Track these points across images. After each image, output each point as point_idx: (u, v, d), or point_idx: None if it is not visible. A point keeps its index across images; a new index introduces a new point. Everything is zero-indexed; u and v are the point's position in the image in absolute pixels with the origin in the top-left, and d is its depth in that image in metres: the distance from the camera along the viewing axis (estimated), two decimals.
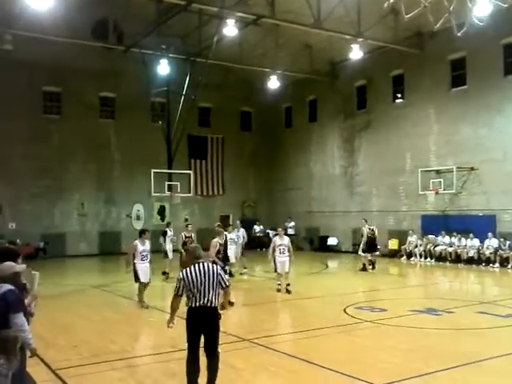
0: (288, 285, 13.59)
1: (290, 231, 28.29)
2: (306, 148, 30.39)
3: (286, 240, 13.90)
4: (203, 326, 5.93)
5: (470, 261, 20.83)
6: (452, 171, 21.60)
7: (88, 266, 23.45)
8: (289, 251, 13.72)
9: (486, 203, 21.25)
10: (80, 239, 27.36)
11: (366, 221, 19.90)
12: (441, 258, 21.87)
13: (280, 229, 14.51)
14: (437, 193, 22.22)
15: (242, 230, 18.51)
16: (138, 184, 27.20)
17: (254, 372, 7.27)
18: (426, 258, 22.39)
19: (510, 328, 9.86)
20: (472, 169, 21.72)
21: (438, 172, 22.70)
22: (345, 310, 11.34)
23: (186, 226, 17.12)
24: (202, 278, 5.92)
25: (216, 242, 12.96)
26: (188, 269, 5.98)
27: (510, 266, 19.48)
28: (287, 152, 31.59)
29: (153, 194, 24.34)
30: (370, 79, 26.59)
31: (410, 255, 23.08)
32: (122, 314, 11.36)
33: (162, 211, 29.54)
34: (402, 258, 23.16)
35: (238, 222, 18.40)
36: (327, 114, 29.16)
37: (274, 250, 13.71)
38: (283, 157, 31.87)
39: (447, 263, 21.32)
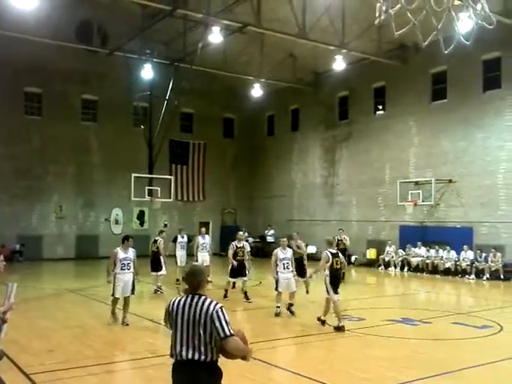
0: (291, 305, 11.82)
1: (270, 239, 28.40)
2: (287, 157, 30.53)
3: (290, 253, 12.26)
4: None
5: (446, 272, 21.09)
6: (431, 183, 21.90)
7: (65, 270, 23.18)
8: (291, 265, 12.12)
9: (464, 215, 21.58)
10: (57, 242, 27.02)
11: (342, 230, 19.85)
12: (418, 268, 22.11)
13: (284, 239, 12.48)
14: (415, 204, 22.48)
15: (208, 237, 17.77)
16: (118, 188, 27.02)
17: (232, 381, 7.24)
18: (403, 268, 22.60)
19: (485, 339, 10.00)
20: (450, 181, 22.05)
21: (416, 184, 22.98)
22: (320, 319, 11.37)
23: (238, 232, 15.03)
24: (187, 318, 3.94)
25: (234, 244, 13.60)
26: (177, 299, 4.08)
27: (485, 278, 19.77)
28: (269, 160, 31.70)
29: (132, 199, 24.18)
30: (353, 90, 26.85)
31: (387, 265, 23.27)
32: (98, 318, 11.24)
33: (141, 216, 29.39)
34: (380, 268, 23.34)
35: (203, 229, 18.06)
36: (309, 123, 29.36)
37: (276, 265, 11.91)
38: (265, 164, 31.96)
39: (424, 274, 21.55)
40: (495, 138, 20.78)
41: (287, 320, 11.55)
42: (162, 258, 15.37)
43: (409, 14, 7.50)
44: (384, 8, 7.69)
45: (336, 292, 10.32)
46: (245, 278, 13.91)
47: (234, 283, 14.77)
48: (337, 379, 7.17)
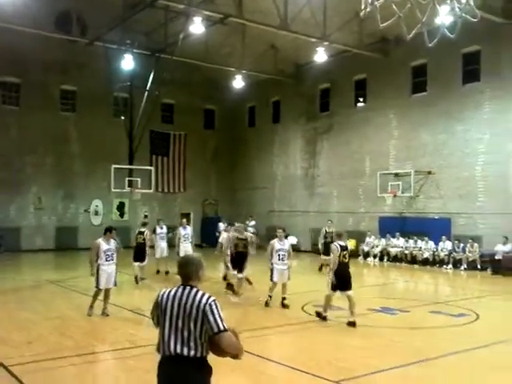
0: (284, 298, 11.63)
1: (251, 230, 28.42)
2: (268, 148, 30.56)
3: (287, 244, 11.93)
4: None
5: (424, 262, 21.39)
6: (410, 175, 22.13)
7: (44, 261, 22.96)
8: (289, 257, 11.85)
9: (442, 207, 21.88)
10: (36, 233, 26.73)
11: (331, 222, 19.17)
12: (397, 259, 22.39)
13: (280, 230, 12.06)
14: (395, 195, 22.72)
15: (190, 228, 17.78)
16: (98, 179, 26.80)
17: None
18: (382, 258, 22.87)
19: (462, 327, 10.21)
20: (429, 173, 22.32)
21: (396, 175, 23.21)
22: (302, 308, 11.50)
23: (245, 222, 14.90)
24: (177, 311, 3.74)
25: (232, 236, 12.70)
26: (168, 292, 3.87)
27: (462, 268, 20.10)
28: (250, 151, 31.70)
29: (112, 190, 24.02)
30: (334, 82, 26.94)
31: (366, 255, 23.52)
32: (78, 309, 11.18)
33: (121, 207, 29.20)
34: (359, 258, 23.56)
35: (184, 220, 18.06)
36: (290, 115, 29.40)
37: (272, 256, 11.68)
38: (246, 156, 31.96)
39: (403, 264, 21.82)
40: (474, 130, 21.06)
41: (265, 309, 11.62)
42: (147, 249, 15.71)
43: (394, 7, 7.57)
44: (369, 0, 7.75)
45: (347, 288, 9.89)
46: (240, 276, 12.71)
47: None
48: (315, 367, 7.25)
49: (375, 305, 12.13)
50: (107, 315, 10.53)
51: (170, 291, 3.85)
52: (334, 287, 9.97)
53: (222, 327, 3.66)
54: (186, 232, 17.20)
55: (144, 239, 15.77)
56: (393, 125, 24.10)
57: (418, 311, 11.69)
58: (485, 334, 9.59)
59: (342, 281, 9.91)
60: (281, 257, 11.63)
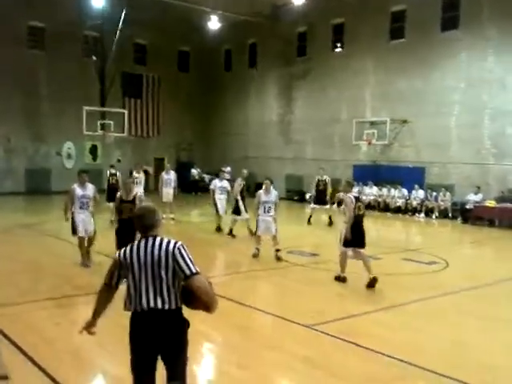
0: (278, 250, 11.06)
1: (227, 176, 28.26)
2: (244, 93, 30.06)
3: (274, 195, 11.37)
4: (154, 343, 3.57)
5: (397, 210, 21.69)
6: (386, 123, 22.09)
7: (15, 205, 22.52)
8: (275, 209, 11.32)
9: (416, 155, 22.02)
10: (6, 176, 26.09)
11: (323, 170, 18.09)
12: (370, 206, 22.61)
13: (268, 181, 11.46)
14: (370, 143, 22.73)
15: (173, 173, 17.56)
16: (69, 121, 26.04)
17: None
18: None
19: (432, 274, 10.43)
20: (405, 121, 22.30)
21: (372, 123, 23.14)
22: (276, 255, 11.56)
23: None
24: (144, 262, 3.60)
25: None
26: (129, 247, 3.70)
27: (434, 216, 20.46)
28: (225, 96, 31.15)
29: (85, 133, 23.46)
30: (312, 26, 26.33)
31: (339, 203, 23.65)
32: (50, 254, 11.06)
33: (93, 150, 28.66)
34: (334, 206, 23.72)
35: (168, 164, 17.82)
36: (267, 59, 28.81)
37: (257, 208, 11.24)
38: (221, 100, 31.42)
39: (376, 212, 22.09)
40: (450, 79, 20.97)
41: (239, 254, 11.66)
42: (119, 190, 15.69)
43: None
44: None
45: (360, 245, 9.07)
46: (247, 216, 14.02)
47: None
48: (288, 312, 7.34)
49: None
50: (88, 266, 9.97)
51: (132, 247, 3.67)
52: (348, 243, 8.99)
53: (193, 270, 3.56)
54: (169, 177, 17.06)
55: (117, 180, 16.12)
56: (370, 71, 23.84)
57: (390, 258, 11.87)
58: (454, 281, 9.83)
59: (356, 236, 9.03)
60: (266, 209, 11.15)
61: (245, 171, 14.95)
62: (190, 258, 3.60)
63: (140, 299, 3.58)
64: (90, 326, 3.81)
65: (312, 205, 17.53)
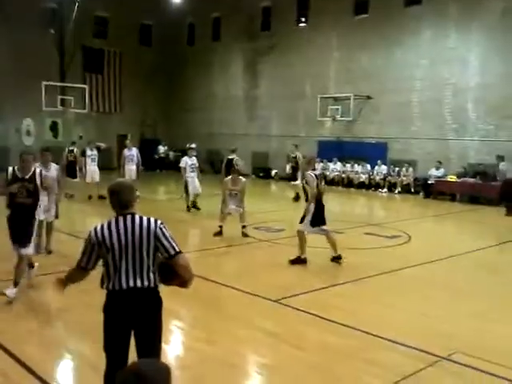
0: (244, 227, 11.19)
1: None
2: (208, 68, 29.67)
3: (240, 186, 11.44)
4: (131, 321, 3.54)
5: (360, 186, 21.99)
6: (349, 99, 22.22)
7: None
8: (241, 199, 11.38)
9: (379, 131, 22.27)
10: None
11: (296, 147, 18.23)
12: (334, 182, 22.85)
13: (235, 174, 11.59)
14: (334, 119, 22.85)
15: (135, 149, 16.95)
16: (27, 97, 25.13)
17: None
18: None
19: (394, 248, 10.65)
20: (368, 97, 22.48)
21: (336, 99, 23.24)
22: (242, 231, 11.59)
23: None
24: (125, 241, 3.51)
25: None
26: (104, 225, 3.56)
27: (396, 191, 20.83)
28: (189, 71, 30.69)
29: (44, 109, 22.86)
30: (276, 0, 26.07)
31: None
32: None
33: (54, 127, 27.94)
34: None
35: (128, 141, 17.37)
36: (231, 33, 28.44)
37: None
38: (185, 76, 30.95)
39: (339, 187, 22.34)
40: (413, 55, 21.18)
41: (205, 231, 11.64)
42: (77, 167, 16.58)
43: None
44: None
45: (323, 222, 8.87)
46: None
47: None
48: (253, 286, 7.40)
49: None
50: (50, 252, 9.27)
51: (109, 226, 3.55)
52: (314, 223, 8.75)
53: (177, 249, 3.55)
54: (131, 153, 16.48)
55: (75, 157, 16.68)
56: (334, 47, 23.84)
57: (353, 232, 12.06)
58: (416, 255, 10.05)
59: (319, 215, 8.81)
60: (233, 195, 11.38)
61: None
62: (171, 237, 3.58)
63: (119, 279, 3.52)
64: (59, 284, 3.79)
65: (292, 182, 17.74)
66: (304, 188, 9.07)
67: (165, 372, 2.00)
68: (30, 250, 6.99)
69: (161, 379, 1.94)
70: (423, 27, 20.83)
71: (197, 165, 14.71)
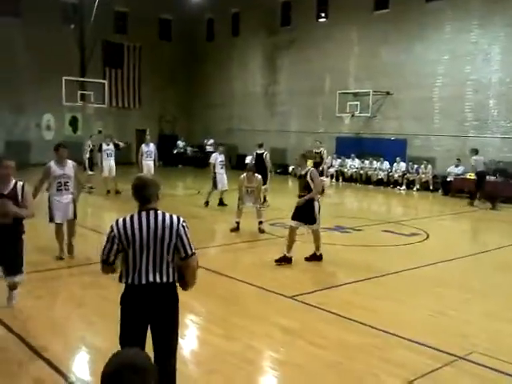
0: (261, 223, 11.25)
1: (209, 149, 28.14)
2: (227, 64, 29.68)
3: (255, 182, 11.53)
4: (148, 316, 3.56)
5: (379, 183, 21.83)
6: (369, 95, 22.04)
7: None
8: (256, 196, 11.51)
9: (399, 128, 22.05)
10: None
11: (320, 143, 17.93)
12: (352, 179, 22.74)
13: (250, 172, 11.58)
14: (353, 115, 22.71)
15: (153, 145, 17.03)
16: (48, 92, 25.43)
17: None
18: (337, 178, 23.18)
19: (412, 246, 10.56)
20: (388, 93, 22.28)
21: (355, 95, 23.08)
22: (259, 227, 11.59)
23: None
24: (147, 237, 3.52)
25: None
26: (126, 219, 3.57)
27: (415, 189, 20.64)
28: (208, 67, 30.74)
29: (64, 104, 23.04)
30: None
31: (321, 175, 23.72)
32: (29, 227, 10.89)
33: (73, 122, 28.23)
34: (323, 178, 23.81)
35: (147, 136, 17.49)
36: (250, 29, 28.40)
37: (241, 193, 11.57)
38: (204, 71, 31.01)
39: (358, 184, 22.21)
40: (434, 50, 20.91)
41: (222, 227, 11.68)
42: (93, 161, 17.56)
43: None
44: None
45: (302, 220, 8.77)
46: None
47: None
48: (269, 283, 7.40)
49: (329, 224, 12.29)
50: (62, 259, 8.59)
51: (132, 221, 3.54)
52: (294, 216, 8.78)
53: (193, 249, 3.63)
54: (149, 149, 16.59)
55: (91, 151, 17.72)
56: (354, 42, 23.66)
57: (371, 230, 11.99)
58: (434, 253, 9.95)
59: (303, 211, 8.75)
60: (249, 192, 11.54)
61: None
62: (189, 238, 3.63)
63: (139, 274, 3.56)
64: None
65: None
66: (306, 184, 8.67)
67: (150, 360, 1.98)
68: (17, 278, 6.12)
69: (153, 368, 1.91)
70: (445, 22, 20.55)
71: (224, 162, 14.74)
